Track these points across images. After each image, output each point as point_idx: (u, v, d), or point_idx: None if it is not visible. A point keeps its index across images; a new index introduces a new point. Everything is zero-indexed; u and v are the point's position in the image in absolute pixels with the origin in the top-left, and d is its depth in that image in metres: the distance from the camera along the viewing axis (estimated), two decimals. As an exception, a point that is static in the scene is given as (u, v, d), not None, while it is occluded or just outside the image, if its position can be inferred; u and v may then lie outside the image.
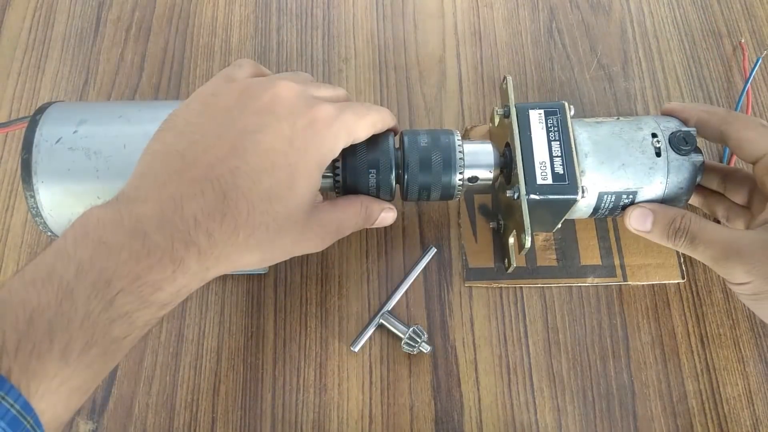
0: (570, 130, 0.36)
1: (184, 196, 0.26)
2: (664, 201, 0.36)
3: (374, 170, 0.35)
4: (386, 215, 0.35)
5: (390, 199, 0.36)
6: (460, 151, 0.36)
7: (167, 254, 0.25)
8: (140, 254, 0.24)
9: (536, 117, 0.36)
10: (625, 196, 0.36)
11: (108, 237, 0.24)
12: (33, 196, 0.33)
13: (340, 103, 0.32)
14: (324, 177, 0.36)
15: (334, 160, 0.35)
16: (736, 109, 0.45)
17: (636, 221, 0.35)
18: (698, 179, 0.36)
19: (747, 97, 0.45)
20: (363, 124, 0.32)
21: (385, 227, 0.42)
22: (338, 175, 0.35)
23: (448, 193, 0.36)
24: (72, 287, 0.23)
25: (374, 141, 0.35)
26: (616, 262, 0.41)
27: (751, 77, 0.45)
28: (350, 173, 0.35)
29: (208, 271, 0.27)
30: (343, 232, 0.33)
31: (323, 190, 0.38)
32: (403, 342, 0.37)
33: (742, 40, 0.48)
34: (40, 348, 0.22)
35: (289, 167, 0.28)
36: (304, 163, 0.29)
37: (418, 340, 0.37)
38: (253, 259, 0.29)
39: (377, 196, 0.36)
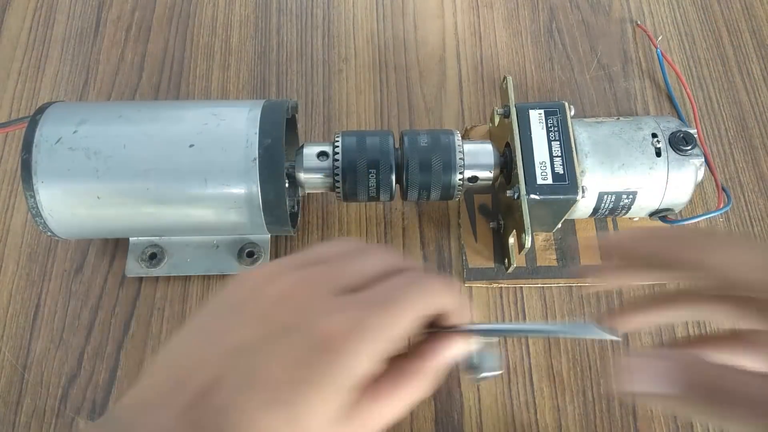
0: (570, 130, 0.36)
1: None
2: (665, 201, 0.36)
3: (374, 170, 0.35)
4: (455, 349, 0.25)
5: (390, 199, 0.36)
6: (460, 152, 0.36)
7: None
8: None
9: (536, 117, 0.36)
10: (625, 196, 0.36)
11: None
12: (33, 196, 0.33)
13: (371, 294, 0.24)
14: (323, 176, 0.36)
15: (334, 160, 0.35)
16: (674, 105, 0.45)
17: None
18: (698, 179, 0.36)
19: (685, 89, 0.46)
20: (399, 323, 0.23)
21: (385, 227, 0.42)
22: (338, 175, 0.35)
23: (448, 193, 0.36)
24: None
25: (374, 141, 0.35)
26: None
27: (664, 71, 0.46)
28: (350, 173, 0.35)
29: None
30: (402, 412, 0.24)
31: (322, 189, 0.38)
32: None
33: (639, 22, 0.49)
34: None
35: (291, 405, 0.22)
36: (313, 394, 0.22)
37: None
38: None
39: (377, 197, 0.36)
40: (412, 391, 0.25)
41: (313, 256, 0.26)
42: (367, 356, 0.23)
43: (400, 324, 0.23)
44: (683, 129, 0.36)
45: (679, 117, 0.45)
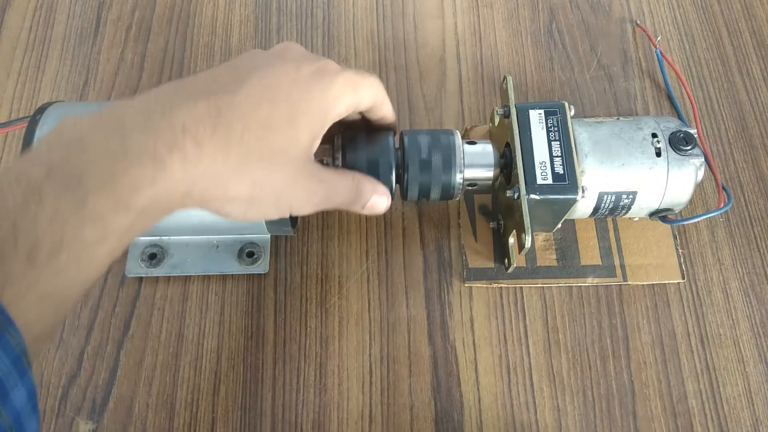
0: (570, 130, 0.36)
1: (174, 105, 0.25)
2: (665, 201, 0.36)
3: (374, 170, 0.35)
4: (378, 200, 0.33)
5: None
6: (460, 151, 0.36)
7: (147, 154, 0.23)
8: (117, 152, 0.23)
9: (536, 117, 0.36)
10: (625, 196, 0.36)
11: (84, 137, 0.23)
12: (33, 196, 0.33)
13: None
14: (322, 161, 0.36)
15: (334, 159, 0.35)
16: (673, 102, 0.46)
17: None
18: (698, 179, 0.36)
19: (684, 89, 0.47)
20: (366, 84, 0.31)
21: (385, 227, 0.42)
22: (338, 175, 0.35)
23: (448, 193, 0.36)
24: (40, 186, 0.21)
25: (374, 140, 0.35)
26: (616, 262, 0.41)
27: (664, 71, 0.47)
28: (350, 173, 0.35)
29: (194, 185, 0.25)
30: (330, 200, 0.31)
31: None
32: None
33: (638, 21, 0.49)
34: (3, 249, 0.20)
35: (290, 103, 0.27)
36: (306, 103, 0.28)
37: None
38: (241, 190, 0.27)
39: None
40: (345, 183, 0.32)
41: None
42: (347, 96, 0.30)
43: (365, 86, 0.31)
44: (683, 129, 0.36)
45: (679, 117, 0.45)
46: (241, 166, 0.26)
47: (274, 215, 0.30)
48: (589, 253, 0.41)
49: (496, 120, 0.40)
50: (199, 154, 0.24)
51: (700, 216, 0.39)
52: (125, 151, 0.23)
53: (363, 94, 0.31)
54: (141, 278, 0.40)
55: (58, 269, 0.22)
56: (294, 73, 0.28)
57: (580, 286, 0.40)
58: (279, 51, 0.30)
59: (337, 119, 0.30)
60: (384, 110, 0.33)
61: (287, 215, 0.30)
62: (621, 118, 0.38)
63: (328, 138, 0.35)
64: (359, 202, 0.33)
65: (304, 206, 0.30)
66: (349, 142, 0.35)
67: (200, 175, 0.25)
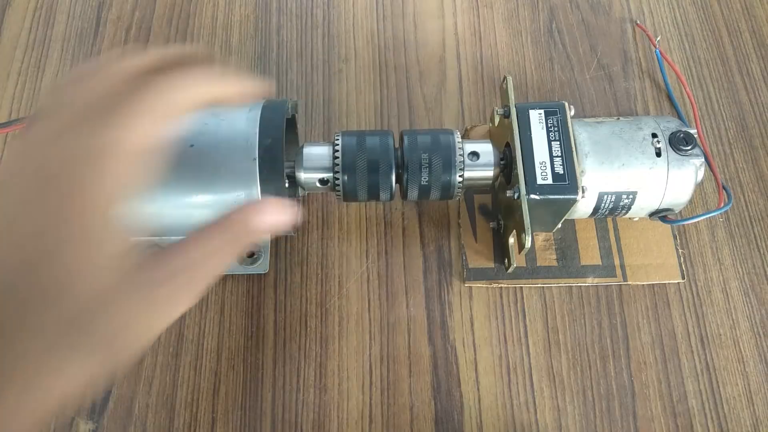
0: (570, 130, 0.36)
1: None
2: (665, 201, 0.36)
3: (374, 170, 0.35)
4: (271, 218, 0.25)
5: (390, 199, 0.36)
6: (460, 149, 0.36)
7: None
8: None
9: (536, 117, 0.36)
10: (625, 196, 0.36)
11: None
12: (33, 196, 0.33)
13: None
14: (323, 178, 0.36)
15: (334, 158, 0.35)
16: (674, 105, 0.46)
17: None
18: (698, 179, 0.36)
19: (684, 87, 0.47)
20: (176, 94, 0.24)
21: (385, 227, 0.42)
22: (338, 173, 0.35)
23: (448, 193, 0.36)
24: None
25: (373, 141, 0.35)
26: (616, 262, 0.41)
27: (664, 71, 0.47)
28: (350, 174, 0.35)
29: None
30: (208, 275, 0.24)
31: (322, 192, 0.38)
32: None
33: (638, 21, 0.49)
34: None
35: (46, 257, 0.20)
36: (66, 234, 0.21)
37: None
38: (86, 369, 0.21)
39: (377, 196, 0.36)
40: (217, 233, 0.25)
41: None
42: (147, 117, 0.23)
43: (178, 94, 0.24)
44: (683, 129, 0.36)
45: (679, 117, 0.45)
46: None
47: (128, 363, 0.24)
48: (589, 253, 0.41)
49: (496, 120, 0.40)
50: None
51: (700, 216, 0.39)
52: None
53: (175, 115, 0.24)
54: (141, 278, 0.40)
55: None
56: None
57: (580, 286, 0.40)
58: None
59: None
60: (222, 90, 0.26)
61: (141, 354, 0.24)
62: (621, 118, 0.38)
63: (327, 141, 0.35)
64: (250, 237, 0.25)
65: (150, 341, 0.23)
66: (348, 143, 0.35)
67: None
